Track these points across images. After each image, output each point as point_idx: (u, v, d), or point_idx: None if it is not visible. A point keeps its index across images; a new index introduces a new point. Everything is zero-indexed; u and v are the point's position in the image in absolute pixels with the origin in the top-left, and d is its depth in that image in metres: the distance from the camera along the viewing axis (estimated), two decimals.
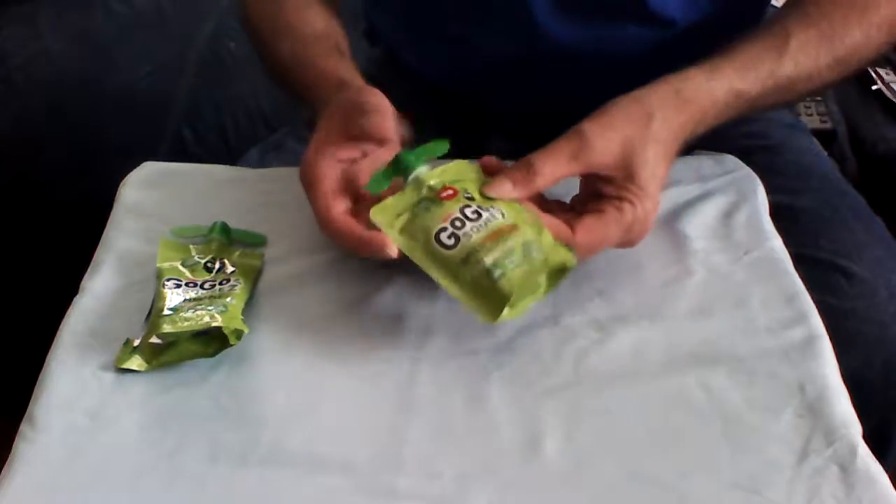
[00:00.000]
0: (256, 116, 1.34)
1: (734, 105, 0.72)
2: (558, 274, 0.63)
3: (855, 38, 0.75)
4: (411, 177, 0.64)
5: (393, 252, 0.62)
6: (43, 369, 0.62)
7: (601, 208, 0.66)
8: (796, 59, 0.73)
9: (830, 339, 0.63)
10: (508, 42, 0.86)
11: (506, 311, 0.60)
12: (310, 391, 0.61)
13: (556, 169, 0.65)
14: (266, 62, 0.87)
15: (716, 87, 0.71)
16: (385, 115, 0.68)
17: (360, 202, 0.67)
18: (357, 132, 0.67)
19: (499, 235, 0.61)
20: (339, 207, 0.66)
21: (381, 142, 0.67)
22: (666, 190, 0.75)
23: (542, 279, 0.62)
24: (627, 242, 0.67)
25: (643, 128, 0.67)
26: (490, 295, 0.60)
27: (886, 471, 0.55)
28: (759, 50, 0.74)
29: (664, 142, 0.68)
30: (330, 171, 0.66)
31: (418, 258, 0.63)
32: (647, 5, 0.82)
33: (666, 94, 0.69)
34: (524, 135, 0.93)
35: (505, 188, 0.64)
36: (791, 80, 0.74)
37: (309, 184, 0.67)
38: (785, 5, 0.79)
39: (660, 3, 0.83)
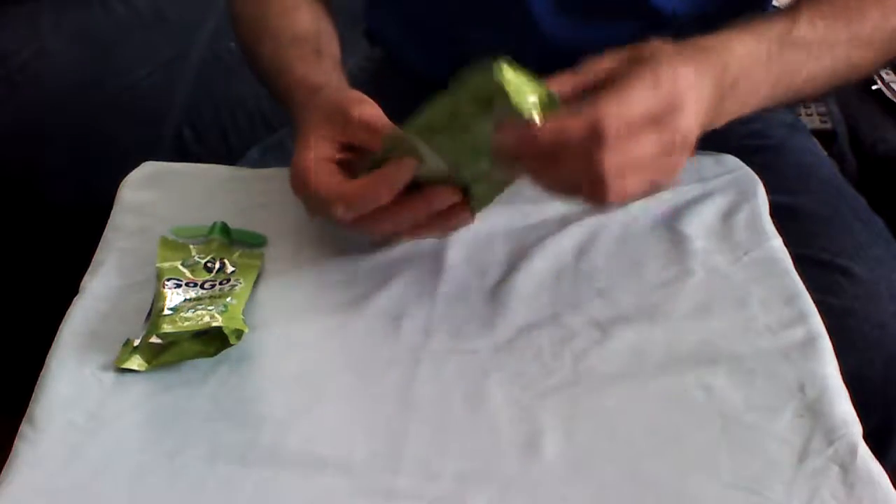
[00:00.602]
0: (256, 116, 1.34)
1: (757, 59, 0.67)
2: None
3: (873, 16, 0.73)
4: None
5: (408, 169, 0.62)
6: (43, 369, 0.62)
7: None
8: (812, 22, 0.70)
9: (831, 338, 0.63)
10: (507, 41, 0.86)
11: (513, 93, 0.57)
12: (310, 391, 0.61)
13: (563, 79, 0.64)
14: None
15: (731, 40, 0.66)
16: (370, 104, 0.67)
17: None
18: (343, 126, 0.67)
19: None
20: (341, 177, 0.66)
21: (369, 128, 0.66)
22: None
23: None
24: (663, 117, 0.58)
25: (656, 43, 0.63)
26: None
27: (886, 471, 0.55)
28: (769, 17, 0.70)
29: (688, 57, 0.61)
30: (323, 166, 0.66)
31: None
32: (648, 2, 0.82)
33: (679, 44, 0.64)
34: None
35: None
36: (809, 42, 0.70)
37: (303, 182, 0.66)
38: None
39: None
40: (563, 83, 0.63)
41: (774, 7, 1.00)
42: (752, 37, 0.67)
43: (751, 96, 0.67)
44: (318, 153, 0.66)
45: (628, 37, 0.83)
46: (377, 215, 0.64)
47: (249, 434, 0.58)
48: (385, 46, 1.01)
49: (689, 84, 0.59)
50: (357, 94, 0.69)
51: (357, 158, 0.68)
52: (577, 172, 0.57)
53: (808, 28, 0.70)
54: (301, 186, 0.66)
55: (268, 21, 0.82)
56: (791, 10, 0.71)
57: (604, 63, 0.63)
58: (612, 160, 0.56)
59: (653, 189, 0.61)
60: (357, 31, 1.05)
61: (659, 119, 0.58)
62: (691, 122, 0.59)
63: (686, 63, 0.60)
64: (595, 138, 0.55)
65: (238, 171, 0.82)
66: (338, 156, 0.67)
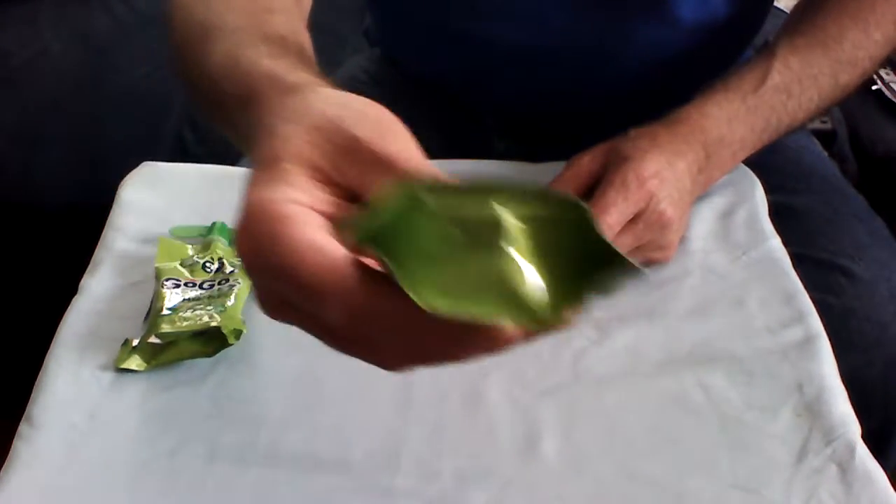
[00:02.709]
0: None
1: (735, 115, 0.72)
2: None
3: (853, 36, 0.75)
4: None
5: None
6: (42, 369, 0.62)
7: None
8: (786, 62, 0.74)
9: (831, 339, 0.63)
10: (514, 34, 0.85)
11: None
12: (309, 391, 0.61)
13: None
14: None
15: (706, 105, 0.72)
16: (395, 126, 0.40)
17: None
18: (345, 155, 0.38)
19: None
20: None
21: (393, 170, 0.38)
22: None
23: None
24: (641, 214, 0.66)
25: (620, 139, 0.70)
26: None
27: (886, 471, 0.55)
28: (743, 69, 0.75)
29: (660, 145, 0.69)
30: (307, 219, 0.36)
31: None
32: (671, 10, 0.82)
33: (648, 127, 0.72)
34: (525, 136, 0.93)
35: None
36: (787, 83, 0.73)
37: (269, 240, 0.36)
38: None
39: (675, 1, 0.82)
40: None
41: (777, 8, 1.00)
42: (727, 95, 0.73)
43: (738, 148, 0.73)
44: (297, 193, 0.37)
45: (637, 36, 0.83)
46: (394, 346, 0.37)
47: (248, 434, 0.58)
48: (385, 46, 1.01)
49: (657, 175, 0.67)
50: (371, 106, 0.41)
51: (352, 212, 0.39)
52: None
53: (782, 71, 0.74)
54: (263, 247, 0.36)
55: (223, 19, 0.57)
56: (766, 54, 0.75)
57: (586, 164, 0.70)
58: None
59: (651, 262, 0.69)
60: (357, 31, 1.05)
61: (637, 217, 0.66)
62: (666, 205, 0.67)
63: (656, 154, 0.68)
64: None
65: (238, 171, 0.82)
66: (325, 206, 0.38)
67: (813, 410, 0.58)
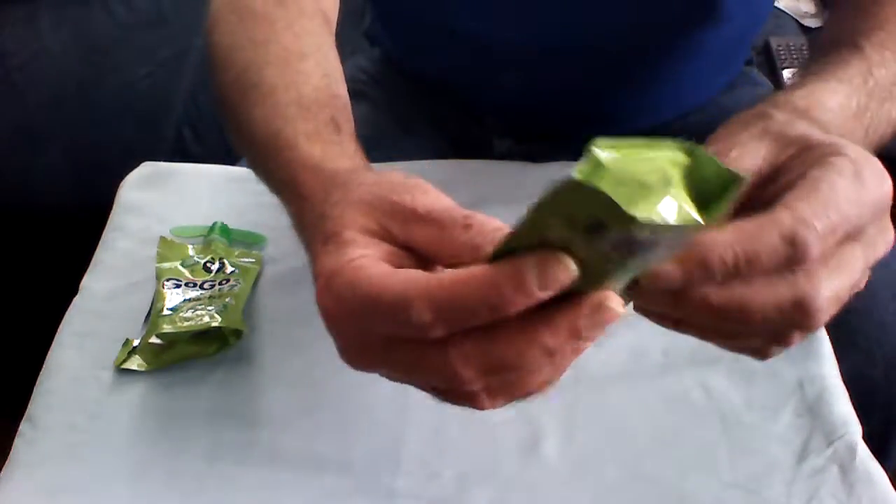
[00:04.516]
0: None
1: (850, 111, 0.55)
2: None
3: None
4: None
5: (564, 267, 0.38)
6: (42, 369, 0.62)
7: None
8: (882, 55, 0.59)
9: (832, 338, 0.63)
10: (512, 34, 0.85)
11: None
12: (309, 391, 0.61)
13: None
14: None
15: (823, 94, 0.53)
16: (432, 190, 0.45)
17: None
18: (400, 220, 0.44)
19: None
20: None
21: (440, 224, 0.43)
22: None
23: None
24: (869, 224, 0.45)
25: (770, 119, 0.48)
26: None
27: (887, 471, 0.55)
28: (841, 58, 0.58)
29: (807, 117, 0.50)
30: (377, 264, 0.42)
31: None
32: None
33: (771, 102, 0.51)
34: (525, 136, 0.93)
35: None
36: (890, 82, 0.58)
37: (349, 286, 0.40)
38: (830, 31, 0.66)
39: None
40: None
41: (778, 9, 0.99)
42: (841, 85, 0.55)
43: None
44: (364, 250, 0.43)
45: (637, 34, 0.82)
46: (495, 338, 0.40)
47: (249, 434, 0.58)
48: (385, 46, 1.01)
49: (886, 177, 0.44)
50: (403, 177, 0.46)
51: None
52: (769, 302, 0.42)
53: (881, 67, 0.58)
54: (344, 296, 0.41)
55: (261, 74, 0.60)
56: (853, 46, 0.60)
57: (767, 155, 0.46)
58: (825, 284, 0.43)
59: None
60: (357, 31, 1.05)
61: (862, 228, 0.45)
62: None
63: (847, 143, 0.45)
64: (798, 257, 0.41)
65: (238, 171, 0.82)
66: (390, 257, 0.43)
67: (814, 411, 0.58)
